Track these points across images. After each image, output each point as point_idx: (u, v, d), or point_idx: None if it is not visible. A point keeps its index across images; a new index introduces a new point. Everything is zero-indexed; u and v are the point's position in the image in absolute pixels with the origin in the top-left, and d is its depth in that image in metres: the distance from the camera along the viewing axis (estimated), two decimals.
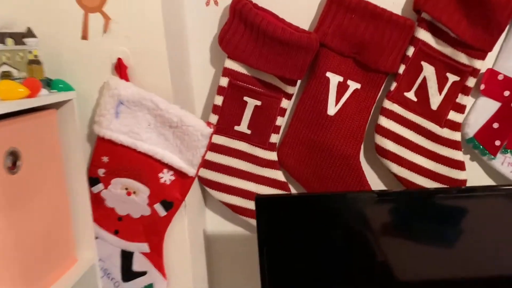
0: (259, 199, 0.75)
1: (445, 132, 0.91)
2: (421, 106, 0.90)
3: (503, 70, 0.88)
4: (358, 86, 0.90)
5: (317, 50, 0.86)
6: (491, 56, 0.87)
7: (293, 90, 0.91)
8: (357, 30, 0.85)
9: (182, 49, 0.88)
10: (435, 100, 0.89)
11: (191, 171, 0.77)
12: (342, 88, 0.90)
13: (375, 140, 0.92)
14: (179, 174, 0.77)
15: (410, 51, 0.88)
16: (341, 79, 0.89)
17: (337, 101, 0.90)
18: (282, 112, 0.92)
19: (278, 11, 0.89)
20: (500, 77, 0.88)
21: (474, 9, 0.82)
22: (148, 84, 0.75)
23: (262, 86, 0.89)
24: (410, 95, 0.90)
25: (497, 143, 0.91)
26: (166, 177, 0.77)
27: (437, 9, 0.83)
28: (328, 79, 0.89)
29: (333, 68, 0.89)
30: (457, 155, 0.91)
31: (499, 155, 0.91)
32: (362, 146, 0.94)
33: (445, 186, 0.90)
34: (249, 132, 0.92)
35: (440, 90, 0.88)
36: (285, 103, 0.91)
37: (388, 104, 0.91)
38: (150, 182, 0.77)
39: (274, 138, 0.93)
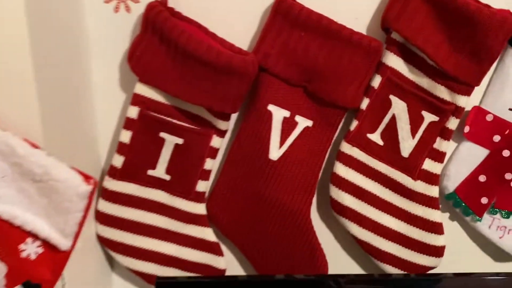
0: (160, 283, 0.53)
1: (419, 186, 0.71)
2: (389, 151, 0.70)
3: (492, 109, 0.69)
4: (309, 123, 0.70)
5: (255, 76, 0.65)
6: (477, 91, 0.68)
7: (226, 125, 0.70)
8: (308, 52, 0.65)
9: (74, 68, 0.66)
10: (407, 145, 0.69)
11: (63, 243, 0.54)
12: (288, 125, 0.69)
13: (330, 193, 0.72)
14: (49, 245, 0.55)
15: (376, 81, 0.68)
16: (287, 114, 0.69)
17: (282, 142, 0.69)
18: (213, 152, 0.71)
19: (209, 23, 0.68)
20: (489, 118, 0.70)
21: (459, 30, 0.63)
22: (8, 120, 0.53)
23: (185, 119, 0.68)
24: (375, 137, 0.70)
25: (484, 201, 0.71)
26: (31, 249, 0.54)
27: (411, 29, 0.64)
28: (270, 114, 0.68)
29: (277, 100, 0.68)
30: (434, 215, 0.71)
31: (486, 216, 0.72)
32: (314, 200, 0.74)
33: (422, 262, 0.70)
34: (168, 177, 0.70)
35: (413, 132, 0.69)
36: (217, 142, 0.70)
37: (346, 148, 0.70)
38: (7, 257, 0.55)
39: (202, 186, 0.72)
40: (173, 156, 0.69)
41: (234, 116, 0.72)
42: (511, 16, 0.61)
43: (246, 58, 0.63)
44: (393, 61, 0.67)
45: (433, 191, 0.71)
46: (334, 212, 0.72)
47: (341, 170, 0.71)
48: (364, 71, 0.66)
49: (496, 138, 0.70)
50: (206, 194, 0.74)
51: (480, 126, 0.70)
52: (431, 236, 0.71)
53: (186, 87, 0.64)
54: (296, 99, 0.69)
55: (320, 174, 0.72)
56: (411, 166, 0.70)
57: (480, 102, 0.70)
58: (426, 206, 0.71)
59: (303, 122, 0.70)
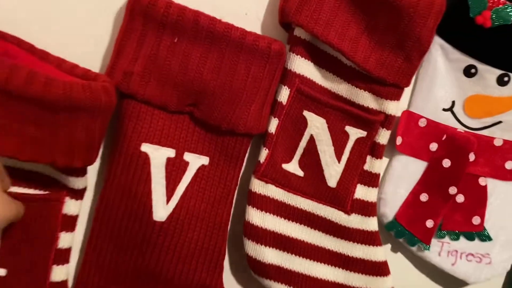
0: None
1: (355, 220, 0.56)
2: (312, 183, 0.54)
3: (424, 112, 0.56)
4: (204, 161, 0.50)
5: (112, 107, 0.44)
6: (405, 93, 0.55)
7: (83, 183, 0.48)
8: (187, 65, 0.46)
9: None
10: (333, 171, 0.53)
11: None
12: (175, 168, 0.49)
13: (245, 250, 0.54)
14: None
15: (284, 95, 0.51)
16: (171, 153, 0.49)
17: (169, 194, 0.49)
18: (69, 224, 0.48)
19: (36, 36, 0.46)
20: (422, 123, 0.57)
21: (379, 18, 0.48)
22: None
23: (23, 182, 0.45)
24: (292, 167, 0.53)
25: (429, 224, 0.58)
26: None
27: (319, 21, 0.48)
28: (146, 157, 0.48)
29: (153, 136, 0.48)
30: (376, 253, 0.56)
31: (434, 241, 0.59)
32: (225, 260, 0.55)
33: None
34: (4, 273, 0.46)
35: (339, 154, 0.53)
36: (73, 207, 0.48)
37: (258, 186, 0.53)
38: None
39: (60, 274, 0.49)
40: (5, 242, 0.45)
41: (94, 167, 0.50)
42: None
43: (91, 85, 0.41)
44: (301, 66, 0.51)
45: (371, 223, 0.56)
46: (254, 273, 0.54)
47: (256, 217, 0.53)
48: (266, 84, 0.49)
49: (433, 146, 0.57)
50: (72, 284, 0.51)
51: (413, 134, 0.57)
52: (376, 280, 0.56)
53: (12, 140, 0.41)
54: (181, 131, 0.49)
55: (228, 228, 0.53)
56: (342, 198, 0.54)
57: (409, 105, 0.57)
58: (366, 244, 0.56)
59: (195, 161, 0.50)
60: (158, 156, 0.48)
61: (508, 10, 0.50)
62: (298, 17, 0.48)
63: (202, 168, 0.51)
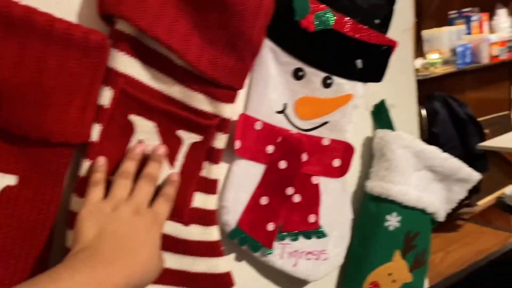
0: None
1: (194, 232, 0.51)
2: None
3: (259, 115, 0.56)
4: (10, 180, 0.40)
5: None
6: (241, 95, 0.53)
7: None
8: None
9: None
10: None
11: None
12: None
13: None
14: None
15: (106, 97, 0.44)
16: None
17: None
18: None
19: None
20: (258, 126, 0.56)
21: (208, 15, 0.46)
22: None
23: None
24: None
25: (270, 227, 0.58)
26: None
27: (146, 14, 0.43)
28: None
29: None
30: (219, 265, 0.53)
31: (275, 244, 0.59)
32: None
33: None
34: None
35: (171, 160, 0.49)
36: None
37: (79, 205, 0.44)
38: None
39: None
40: None
41: None
42: None
43: None
44: (126, 64, 0.45)
45: (212, 233, 0.53)
46: None
47: None
48: (87, 82, 0.41)
49: (270, 148, 0.57)
50: None
51: (250, 138, 0.55)
52: None
53: None
54: None
55: (49, 262, 0.43)
56: (178, 207, 0.50)
57: (245, 108, 0.56)
58: (208, 256, 0.52)
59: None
60: None
61: (328, 15, 0.53)
62: (120, 8, 0.42)
63: (7, 189, 0.41)
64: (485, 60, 2.63)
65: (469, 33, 2.66)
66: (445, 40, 2.51)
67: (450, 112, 2.47)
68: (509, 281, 1.21)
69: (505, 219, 2.20)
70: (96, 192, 0.43)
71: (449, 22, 2.68)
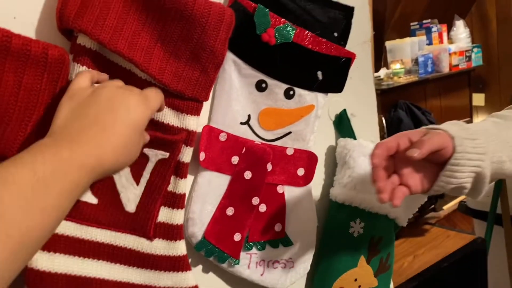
0: None
1: (159, 246, 0.51)
2: (108, 210, 0.47)
3: (223, 126, 0.57)
4: None
5: None
6: (204, 107, 0.54)
7: None
8: None
9: None
10: (131, 195, 0.48)
11: None
12: None
13: None
14: None
15: None
16: None
17: None
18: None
19: None
20: (222, 138, 0.56)
21: (171, 27, 0.46)
22: None
23: None
24: (84, 196, 0.46)
25: (237, 237, 0.58)
26: None
27: (106, 28, 0.43)
28: None
29: None
30: (186, 279, 0.52)
31: (243, 254, 0.59)
32: None
33: None
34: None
35: (137, 177, 0.49)
36: None
37: None
38: None
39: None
40: None
41: None
42: (229, 9, 0.48)
43: None
44: None
45: (178, 248, 0.53)
46: None
47: (43, 261, 0.43)
48: (46, 98, 0.41)
49: (235, 159, 0.57)
50: None
51: (215, 149, 0.56)
52: None
53: None
54: None
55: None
56: (143, 223, 0.50)
57: (209, 120, 0.57)
58: (174, 271, 0.52)
59: None
60: None
61: (288, 29, 0.55)
62: (80, 22, 0.42)
63: None
64: (445, 69, 2.74)
65: (429, 44, 2.76)
66: (407, 50, 2.60)
67: (414, 120, 2.55)
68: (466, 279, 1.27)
69: (469, 221, 2.28)
70: (80, 79, 0.40)
71: (411, 33, 2.77)
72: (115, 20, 0.43)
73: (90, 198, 0.47)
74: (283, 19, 0.55)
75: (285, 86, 0.58)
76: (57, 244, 0.44)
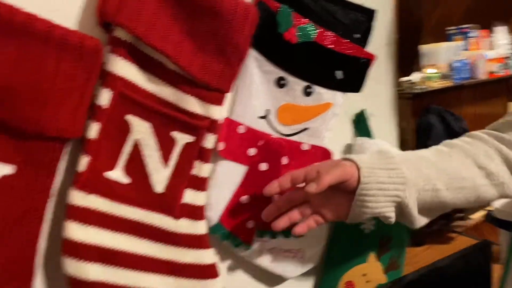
0: None
1: (183, 225, 0.56)
2: (138, 190, 0.52)
3: (243, 119, 0.60)
4: (8, 169, 0.44)
5: None
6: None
7: None
8: None
9: None
10: (160, 177, 0.53)
11: None
12: None
13: (65, 269, 0.48)
14: None
15: (105, 98, 0.48)
16: None
17: None
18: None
19: None
20: (241, 130, 0.60)
21: (200, 23, 0.50)
22: None
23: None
24: (117, 174, 0.51)
25: (250, 224, 0.62)
26: None
27: (141, 23, 0.47)
28: None
29: None
30: (205, 257, 0.57)
31: (255, 241, 0.63)
32: None
33: None
34: None
35: (166, 159, 0.53)
36: None
37: (78, 198, 0.48)
38: None
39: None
40: None
41: None
42: (253, 7, 0.52)
43: None
44: (124, 69, 0.49)
45: (199, 227, 0.57)
46: None
47: (77, 232, 0.48)
48: (81, 83, 0.45)
49: (251, 151, 0.61)
50: None
51: (234, 140, 0.60)
52: (206, 283, 0.57)
53: None
54: None
55: (36, 252, 0.47)
56: (170, 203, 0.54)
57: (230, 113, 0.60)
58: (195, 248, 0.56)
59: None
60: None
61: (309, 28, 0.58)
62: (119, 17, 0.47)
63: (5, 178, 0.45)
64: (482, 75, 2.68)
65: (466, 49, 2.70)
66: (443, 55, 2.56)
67: (446, 126, 2.51)
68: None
69: (496, 232, 2.23)
70: None
71: (448, 38, 2.73)
72: (149, 16, 0.48)
73: (122, 178, 0.51)
74: (305, 19, 0.58)
75: (304, 83, 0.61)
76: (91, 218, 0.49)
